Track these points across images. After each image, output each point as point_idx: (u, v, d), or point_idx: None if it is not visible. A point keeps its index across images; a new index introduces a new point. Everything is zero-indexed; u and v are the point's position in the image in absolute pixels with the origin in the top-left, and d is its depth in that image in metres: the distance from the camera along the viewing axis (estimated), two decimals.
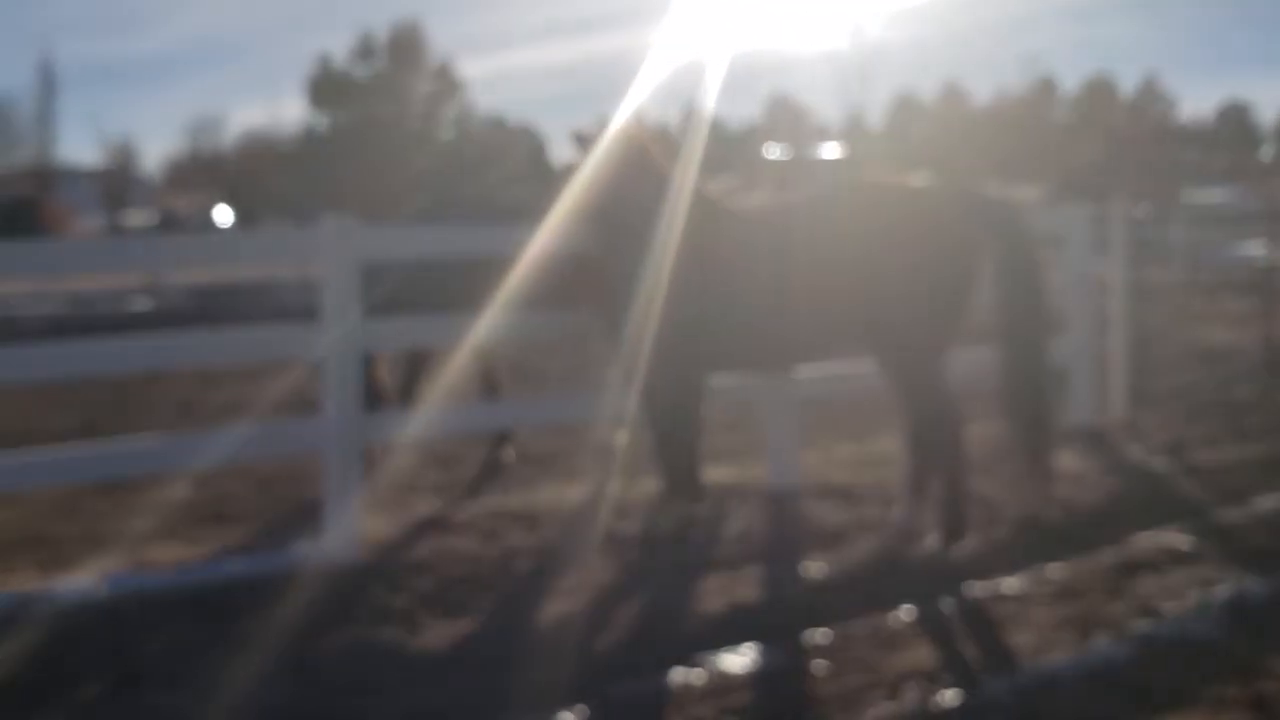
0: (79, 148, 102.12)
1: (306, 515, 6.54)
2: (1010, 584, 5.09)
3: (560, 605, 4.99)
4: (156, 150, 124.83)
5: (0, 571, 5.69)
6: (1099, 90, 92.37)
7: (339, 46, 60.47)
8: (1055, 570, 5.27)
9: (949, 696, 3.99)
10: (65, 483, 6.91)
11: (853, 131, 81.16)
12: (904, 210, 5.59)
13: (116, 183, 73.88)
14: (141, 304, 23.54)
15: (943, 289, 5.51)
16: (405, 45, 52.82)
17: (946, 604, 4.85)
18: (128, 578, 5.29)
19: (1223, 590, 4.98)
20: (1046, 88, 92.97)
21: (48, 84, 74.82)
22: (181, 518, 6.62)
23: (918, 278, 5.46)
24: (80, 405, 10.76)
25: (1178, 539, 5.73)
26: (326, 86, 52.17)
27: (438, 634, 4.71)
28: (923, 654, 4.35)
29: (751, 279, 5.66)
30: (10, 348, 5.79)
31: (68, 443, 8.76)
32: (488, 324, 6.11)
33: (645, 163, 5.96)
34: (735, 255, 5.71)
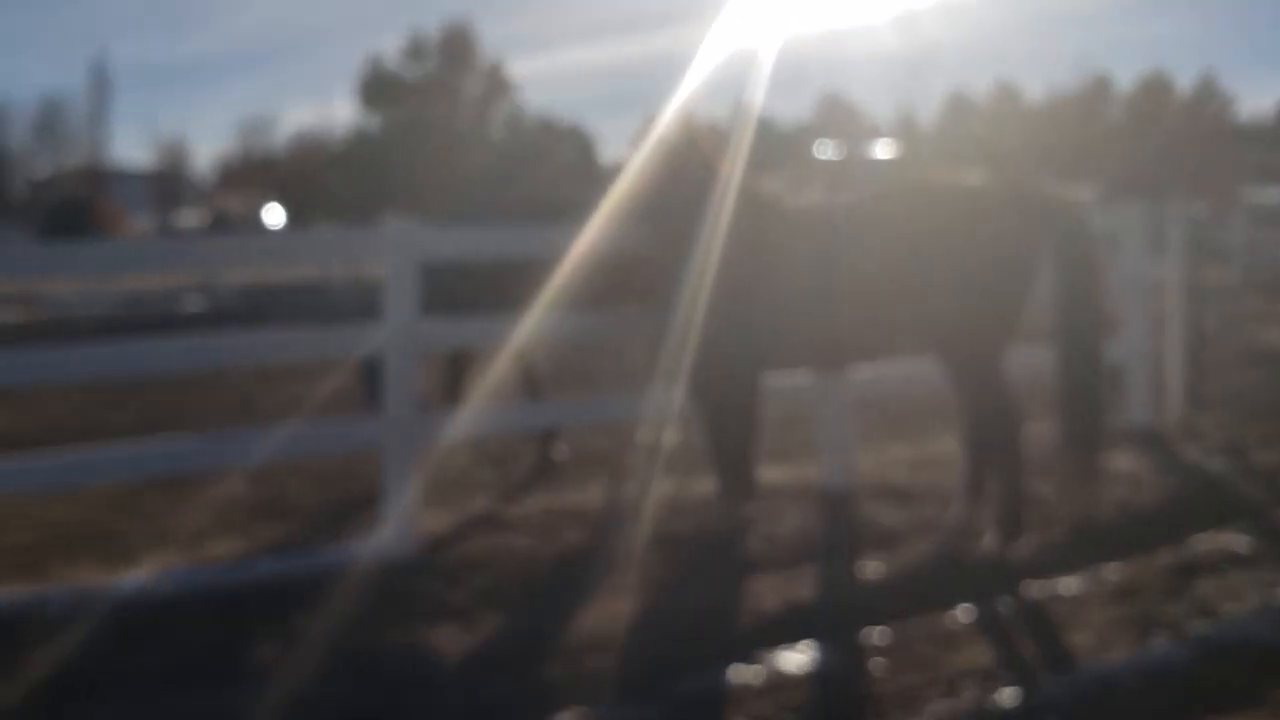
0: (131, 148, 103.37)
1: (364, 512, 6.65)
2: (1067, 584, 5.09)
3: (615, 602, 5.04)
4: (208, 150, 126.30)
5: (62, 566, 5.82)
6: (1155, 88, 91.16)
7: (390, 47, 60.86)
8: (1112, 570, 5.26)
9: (1006, 695, 4.00)
10: (125, 479, 7.07)
11: (905, 130, 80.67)
12: (962, 209, 5.60)
13: (168, 183, 74.90)
14: (195, 304, 23.88)
15: (1000, 288, 5.51)
16: (456, 45, 53.10)
17: (1004, 603, 4.86)
18: (187, 573, 5.40)
19: None
20: (1101, 85, 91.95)
21: (101, 85, 75.96)
22: (240, 514, 6.74)
23: (976, 277, 5.46)
24: (139, 404, 10.95)
25: (1236, 540, 5.70)
26: (377, 87, 52.54)
27: (493, 630, 4.78)
28: (980, 653, 4.37)
29: (808, 278, 5.69)
30: (70, 348, 5.92)
31: (127, 440, 8.96)
32: (543, 323, 6.19)
33: (699, 160, 6.00)
34: (791, 254, 5.74)
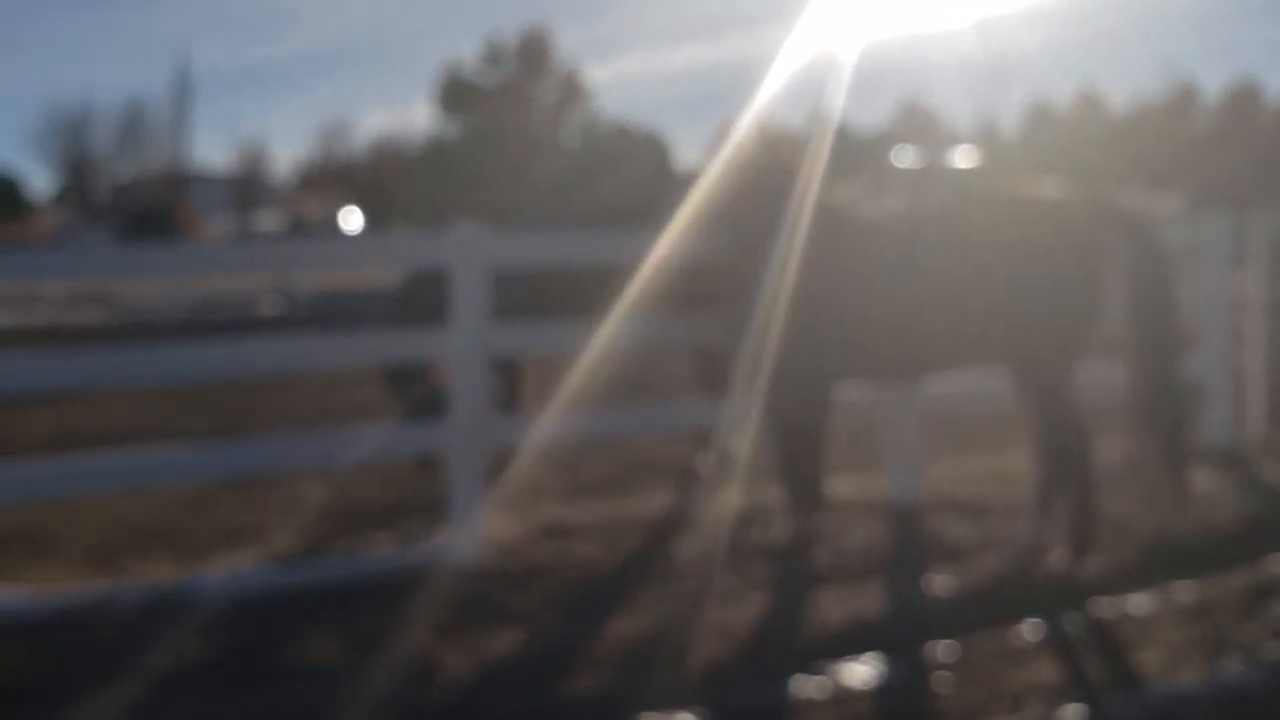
0: (213, 152, 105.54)
1: (435, 516, 6.74)
2: (1139, 602, 5.02)
3: (679, 611, 5.07)
4: (288, 155, 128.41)
5: (136, 564, 5.97)
6: (1243, 96, 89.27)
7: (468, 53, 61.39)
8: (1186, 590, 5.19)
9: (1071, 712, 3.97)
10: (199, 480, 7.23)
11: (985, 138, 79.78)
12: (1036, 220, 5.56)
13: (248, 186, 76.20)
14: (271, 307, 24.28)
15: (1075, 300, 5.47)
16: (533, 52, 53.43)
17: (1072, 620, 4.82)
18: (257, 573, 5.51)
19: None
20: (1188, 93, 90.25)
21: (183, 90, 77.52)
22: (311, 516, 6.86)
23: (1049, 289, 5.43)
24: (213, 406, 11.18)
25: None
26: (455, 93, 52.98)
27: (557, 635, 4.83)
28: (1046, 670, 4.34)
29: (881, 288, 5.68)
30: (145, 350, 6.05)
31: (200, 442, 9.16)
32: (612, 330, 6.24)
33: (776, 168, 6.02)
34: (865, 264, 5.74)
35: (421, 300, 7.14)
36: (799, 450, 6.02)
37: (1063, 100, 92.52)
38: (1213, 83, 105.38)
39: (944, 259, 5.60)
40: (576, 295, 7.04)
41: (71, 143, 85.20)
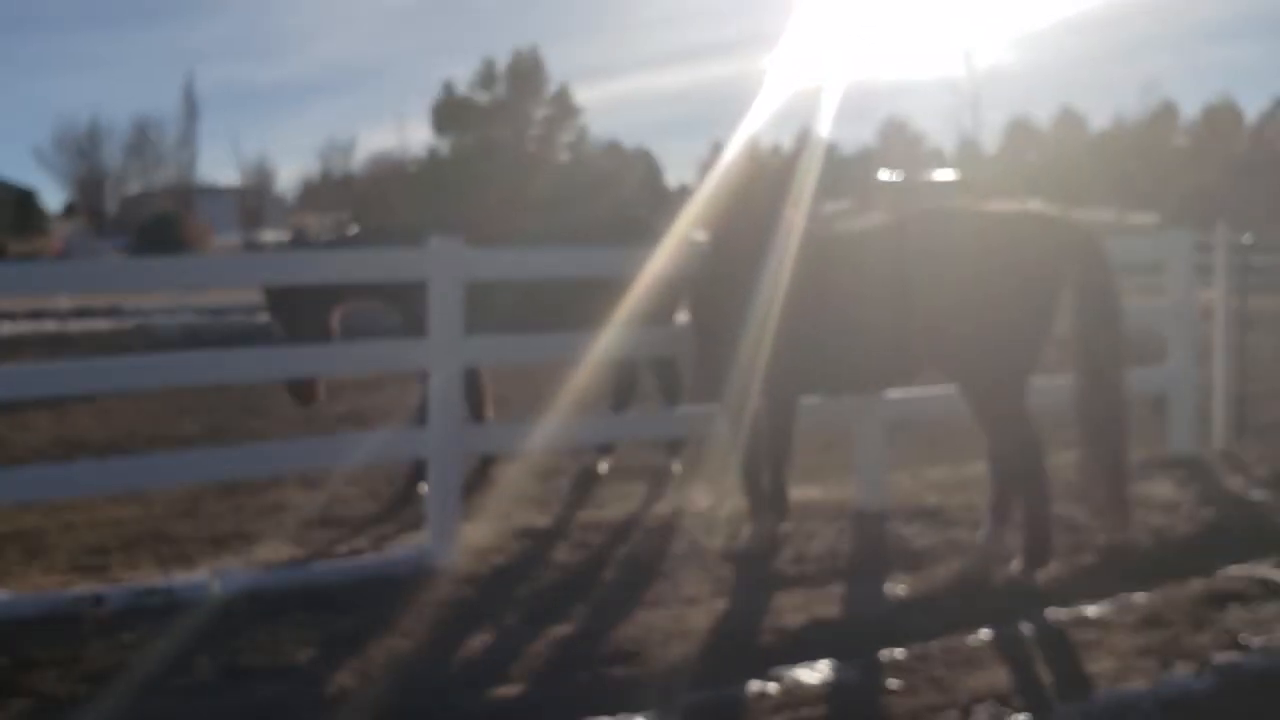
0: (219, 168, 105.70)
1: (412, 521, 6.73)
2: (1093, 610, 4.99)
3: (646, 615, 5.05)
4: (290, 170, 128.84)
5: (124, 566, 5.94)
6: (1220, 115, 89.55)
7: (463, 74, 61.69)
8: (1140, 598, 5.16)
9: (1021, 718, 3.95)
10: (188, 484, 7.21)
11: (967, 156, 79.99)
12: (981, 235, 5.50)
13: (253, 202, 76.22)
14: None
15: (1021, 314, 5.39)
16: (525, 72, 53.58)
17: (1026, 628, 4.79)
18: (241, 575, 5.48)
19: None
20: (1166, 112, 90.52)
21: (190, 107, 77.61)
22: (295, 520, 6.84)
23: (995, 303, 5.35)
24: (206, 411, 11.15)
25: (1271, 572, 5.56)
26: (449, 111, 53.10)
27: (525, 638, 4.80)
28: (998, 676, 4.31)
29: (834, 302, 5.65)
30: (144, 357, 6.07)
31: (192, 446, 9.15)
32: (583, 341, 6.24)
33: (741, 185, 5.99)
34: (820, 279, 5.70)
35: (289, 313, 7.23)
36: (765, 458, 5.99)
37: (1043, 119, 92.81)
38: (1190, 102, 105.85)
39: (891, 274, 5.53)
40: (556, 308, 7.08)
41: (81, 158, 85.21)
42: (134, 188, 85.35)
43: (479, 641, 4.79)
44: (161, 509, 7.11)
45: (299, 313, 7.23)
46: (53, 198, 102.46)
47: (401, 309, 7.36)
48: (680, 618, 5.01)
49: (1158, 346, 8.27)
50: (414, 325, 7.04)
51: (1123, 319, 5.56)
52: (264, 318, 23.61)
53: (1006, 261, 5.38)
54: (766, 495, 6.00)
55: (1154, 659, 4.47)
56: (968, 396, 5.58)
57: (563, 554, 6.02)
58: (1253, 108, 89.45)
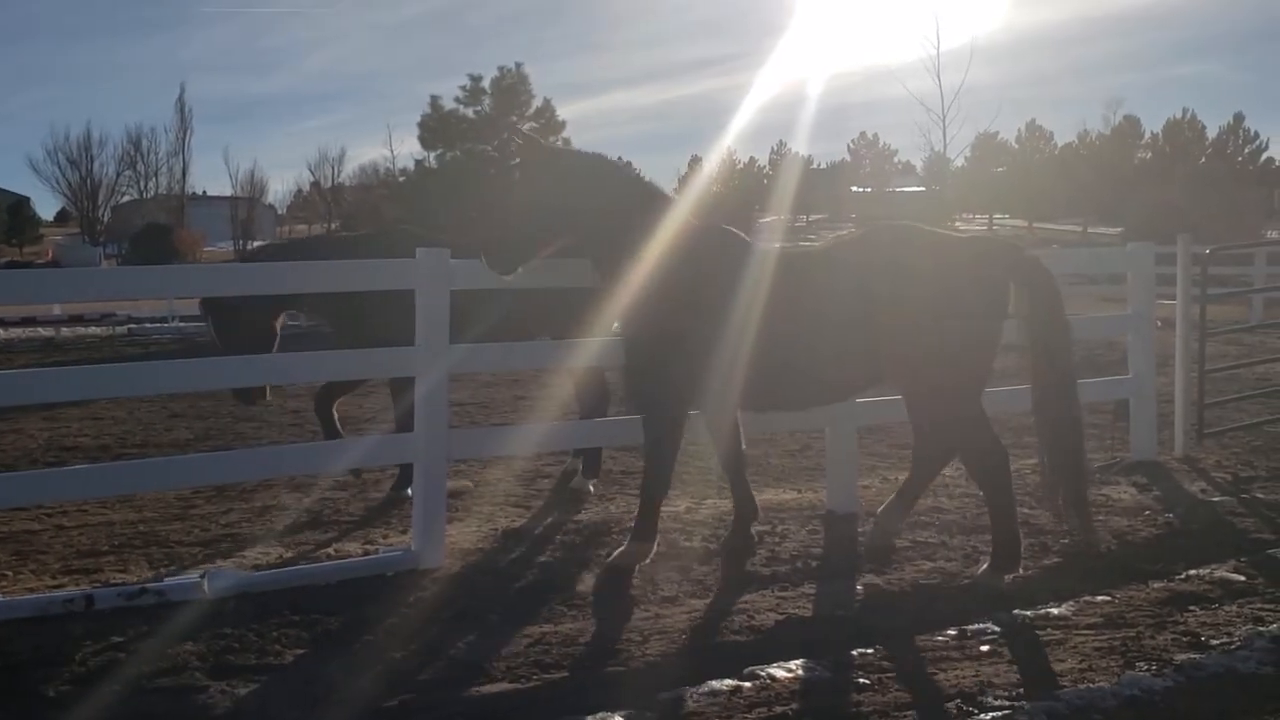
0: (211, 178, 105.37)
1: (398, 523, 6.72)
2: (1057, 611, 5.02)
3: (620, 615, 5.06)
4: (282, 180, 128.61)
5: (115, 568, 5.91)
6: (1182, 130, 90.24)
7: (450, 89, 61.84)
8: (1103, 599, 5.19)
9: (986, 718, 3.96)
10: (180, 487, 7.18)
11: (936, 169, 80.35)
12: (930, 256, 5.51)
13: (245, 211, 76.02)
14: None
15: (964, 332, 5.42)
16: (509, 88, 53.57)
17: (992, 628, 4.80)
18: (230, 576, 5.45)
19: (1273, 625, 4.83)
20: (1130, 128, 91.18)
21: (183, 118, 77.38)
22: (284, 522, 6.82)
23: (940, 322, 5.36)
24: (198, 416, 11.11)
25: (1231, 574, 5.60)
26: (436, 125, 53.07)
27: (506, 637, 4.79)
28: (966, 674, 4.31)
29: (777, 318, 5.48)
30: (136, 363, 6.05)
31: (184, 451, 9.12)
32: (566, 350, 6.24)
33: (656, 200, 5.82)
34: (760, 294, 5.53)
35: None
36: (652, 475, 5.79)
37: (1010, 134, 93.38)
38: (1152, 118, 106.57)
39: (830, 293, 5.48)
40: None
41: (75, 167, 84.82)
42: (127, 197, 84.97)
43: (463, 641, 4.78)
44: (153, 512, 7.07)
45: (238, 319, 7.26)
46: (46, 206, 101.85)
47: (327, 316, 7.43)
48: (658, 617, 5.02)
49: (1119, 355, 8.33)
50: (344, 332, 7.21)
51: (1071, 336, 5.63)
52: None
53: (952, 281, 5.42)
54: (649, 518, 5.75)
55: (1116, 658, 4.49)
56: (927, 409, 5.61)
57: (545, 555, 6.02)
58: (1214, 123, 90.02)
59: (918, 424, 5.87)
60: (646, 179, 5.97)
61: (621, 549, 5.70)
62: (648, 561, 5.64)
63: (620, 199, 5.69)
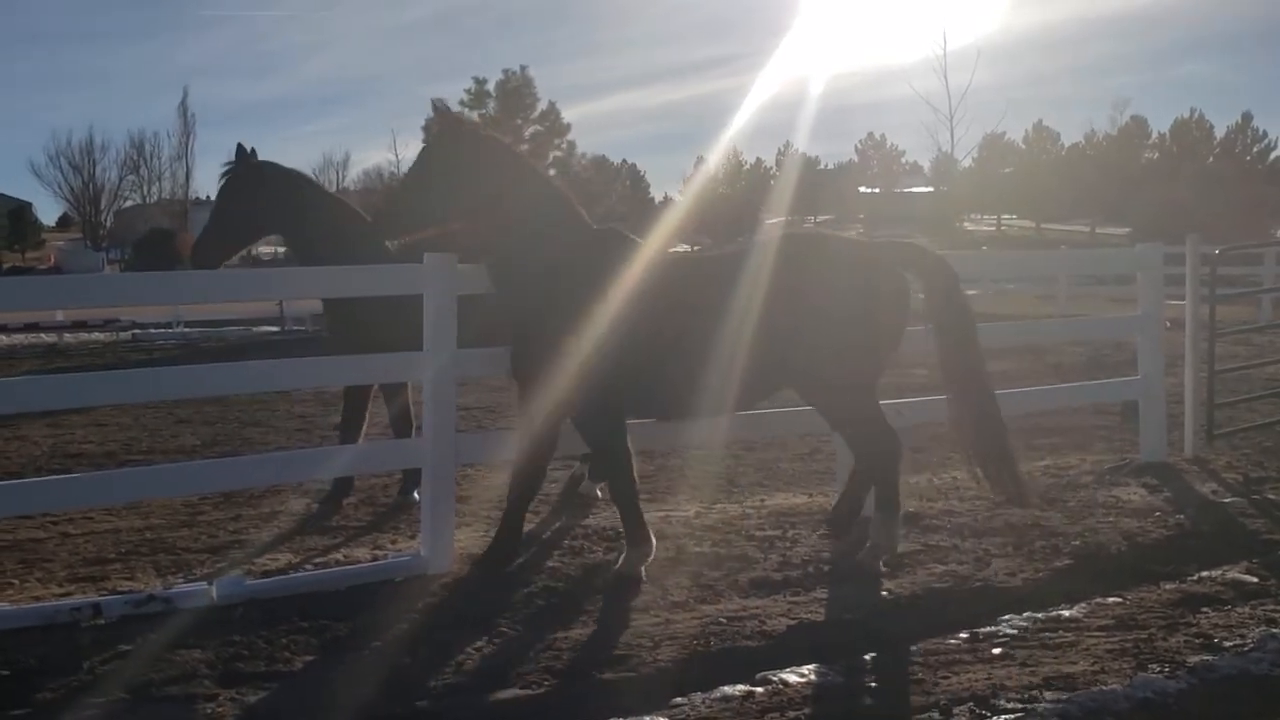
0: (214, 183, 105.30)
1: (406, 528, 6.72)
2: (1069, 613, 5.02)
3: (635, 620, 5.06)
4: None
5: (122, 576, 5.92)
6: (1189, 129, 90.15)
7: (455, 92, 61.93)
8: (1115, 601, 5.19)
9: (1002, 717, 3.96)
10: (187, 494, 7.19)
11: (943, 170, 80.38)
12: (829, 260, 5.60)
13: None
14: (269, 328, 24.19)
15: (865, 334, 5.57)
16: (514, 91, 53.73)
17: (1004, 631, 4.81)
18: (238, 583, 5.46)
19: None
20: (1137, 127, 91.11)
21: (186, 123, 77.49)
22: (292, 528, 6.83)
23: (843, 324, 5.49)
24: (204, 422, 11.12)
25: (1244, 575, 5.60)
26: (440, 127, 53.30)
27: (515, 642, 4.80)
28: (978, 677, 4.32)
29: (689, 324, 5.51)
30: (142, 370, 6.06)
31: (191, 457, 9.13)
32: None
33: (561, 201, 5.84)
34: (669, 299, 5.56)
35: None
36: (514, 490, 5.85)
37: (1017, 133, 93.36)
38: (1160, 118, 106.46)
39: (738, 297, 5.47)
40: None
41: (77, 172, 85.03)
42: (129, 201, 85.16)
43: (473, 647, 4.78)
44: (160, 519, 7.08)
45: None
46: (48, 211, 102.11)
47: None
48: (668, 622, 5.01)
49: (1128, 356, 8.33)
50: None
51: (972, 317, 5.85)
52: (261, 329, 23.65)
53: (855, 286, 5.54)
54: (512, 529, 5.83)
55: (1129, 660, 4.49)
56: (826, 410, 5.76)
57: (553, 560, 6.02)
58: (1222, 123, 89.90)
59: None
60: (554, 180, 5.96)
61: (624, 557, 5.70)
62: (650, 560, 5.65)
63: (520, 195, 5.70)
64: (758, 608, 5.20)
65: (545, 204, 5.75)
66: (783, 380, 5.74)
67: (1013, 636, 4.75)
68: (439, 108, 5.63)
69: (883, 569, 5.67)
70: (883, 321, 5.61)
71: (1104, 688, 4.20)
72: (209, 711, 4.16)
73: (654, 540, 5.73)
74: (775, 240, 5.82)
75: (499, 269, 5.76)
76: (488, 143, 5.84)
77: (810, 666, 4.40)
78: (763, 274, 5.51)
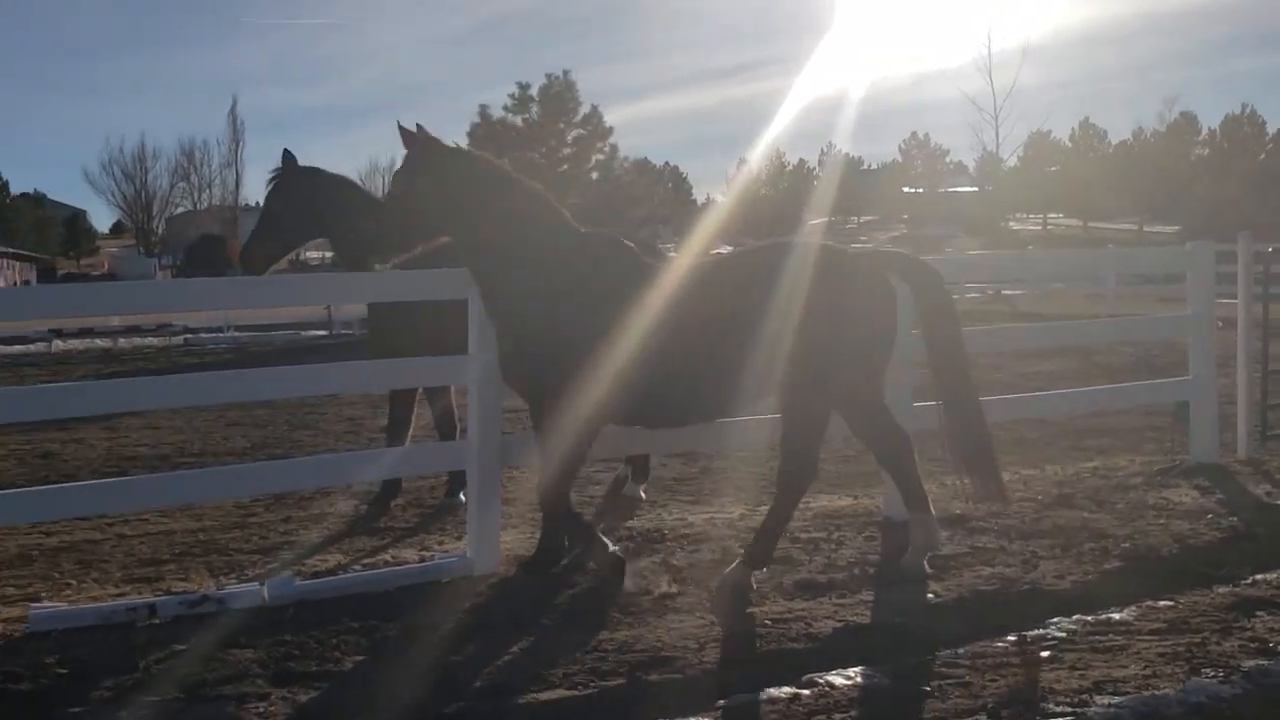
0: (263, 188, 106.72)
1: (452, 529, 6.77)
2: (1119, 616, 4.96)
3: (680, 621, 5.06)
4: None
5: (176, 576, 6.00)
6: (1240, 125, 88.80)
7: (499, 98, 62.44)
8: (1166, 604, 5.12)
9: None
10: (239, 496, 7.28)
11: (988, 169, 79.65)
12: (813, 267, 5.50)
13: None
14: (317, 331, 24.45)
15: (856, 341, 5.51)
16: (557, 96, 53.96)
17: (1053, 634, 4.76)
18: (289, 584, 5.52)
19: None
20: (1187, 123, 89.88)
21: (237, 131, 78.46)
22: (341, 529, 6.90)
23: (836, 330, 5.42)
24: (254, 425, 11.25)
25: None
26: (486, 134, 53.55)
27: (562, 643, 4.82)
28: (1026, 680, 4.28)
29: (669, 330, 5.39)
30: (193, 374, 6.14)
31: (242, 460, 9.25)
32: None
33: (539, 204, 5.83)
34: (650, 304, 5.45)
35: None
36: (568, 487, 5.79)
37: (1064, 132, 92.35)
38: (1209, 114, 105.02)
39: (723, 303, 5.43)
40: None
41: (129, 180, 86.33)
42: (180, 208, 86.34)
43: (519, 647, 4.81)
44: (212, 520, 7.18)
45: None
46: (101, 218, 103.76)
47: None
48: (714, 624, 5.01)
49: (1178, 356, 8.22)
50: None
51: (959, 323, 5.85)
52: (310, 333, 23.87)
53: (842, 291, 5.48)
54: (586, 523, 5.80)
55: (1181, 665, 4.42)
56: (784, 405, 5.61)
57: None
58: (1274, 118, 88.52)
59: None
60: (536, 186, 5.94)
61: (532, 554, 5.88)
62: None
63: (500, 202, 5.69)
64: (803, 610, 5.18)
65: (526, 210, 5.74)
66: (768, 388, 5.61)
67: (1061, 640, 4.70)
68: (404, 130, 5.68)
69: (929, 571, 5.64)
70: (871, 327, 5.56)
71: (1156, 692, 4.14)
72: (261, 710, 4.21)
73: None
74: (760, 248, 5.82)
75: (484, 279, 5.72)
76: (459, 155, 5.84)
77: (856, 669, 4.38)
78: (747, 282, 5.47)
